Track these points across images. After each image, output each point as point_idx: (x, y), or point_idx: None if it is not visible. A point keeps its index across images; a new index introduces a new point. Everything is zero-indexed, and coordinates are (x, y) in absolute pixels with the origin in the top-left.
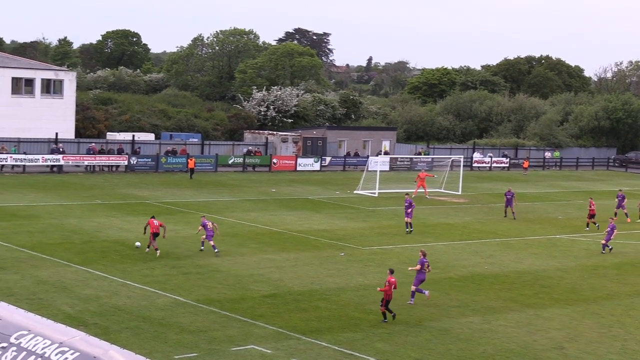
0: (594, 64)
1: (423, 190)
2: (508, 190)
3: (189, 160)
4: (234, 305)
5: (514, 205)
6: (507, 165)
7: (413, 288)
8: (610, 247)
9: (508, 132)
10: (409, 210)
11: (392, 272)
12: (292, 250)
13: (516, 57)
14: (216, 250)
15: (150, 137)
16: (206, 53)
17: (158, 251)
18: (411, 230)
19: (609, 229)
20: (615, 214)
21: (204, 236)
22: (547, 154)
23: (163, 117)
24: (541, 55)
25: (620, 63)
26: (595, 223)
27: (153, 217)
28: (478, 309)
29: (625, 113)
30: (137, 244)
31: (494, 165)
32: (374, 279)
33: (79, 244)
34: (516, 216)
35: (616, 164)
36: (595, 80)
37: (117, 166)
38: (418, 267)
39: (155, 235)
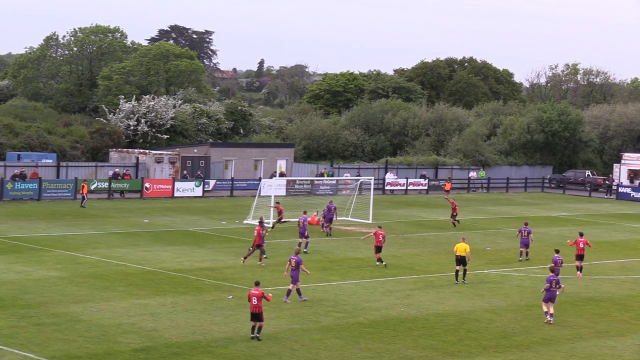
0: (525, 67)
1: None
2: (524, 224)
3: (83, 184)
4: None
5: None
6: (426, 187)
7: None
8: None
9: (426, 149)
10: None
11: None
12: (169, 293)
13: (435, 59)
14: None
15: None
16: (62, 55)
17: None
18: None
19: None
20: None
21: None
22: (472, 174)
23: (9, 134)
24: (464, 58)
25: (556, 66)
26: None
27: None
28: None
29: (562, 125)
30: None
31: (411, 187)
32: (268, 326)
33: None
34: (447, 249)
35: (552, 185)
36: (527, 86)
37: None
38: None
39: None
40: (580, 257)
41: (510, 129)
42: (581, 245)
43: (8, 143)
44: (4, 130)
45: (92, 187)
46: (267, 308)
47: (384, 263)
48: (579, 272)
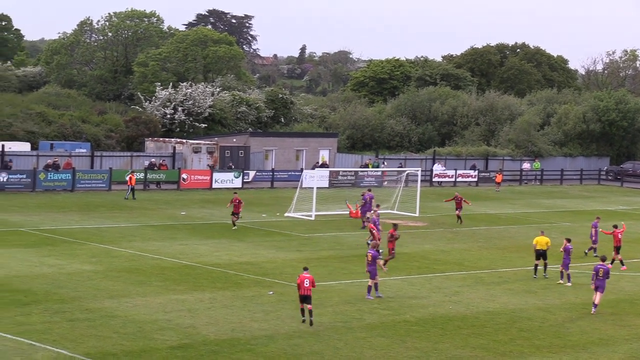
0: (581, 53)
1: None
2: (596, 218)
3: (130, 176)
4: (134, 359)
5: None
6: (476, 179)
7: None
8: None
9: (476, 139)
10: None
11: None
12: (207, 288)
13: (485, 45)
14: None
15: (25, 147)
16: (96, 41)
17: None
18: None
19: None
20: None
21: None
22: (525, 166)
23: (42, 122)
24: (516, 43)
25: (613, 52)
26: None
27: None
28: None
29: (619, 114)
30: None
31: (459, 179)
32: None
33: None
34: (498, 244)
35: (609, 177)
36: (583, 73)
37: None
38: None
39: None
40: (618, 249)
41: (564, 118)
42: (620, 236)
43: (41, 132)
44: (37, 119)
45: (127, 178)
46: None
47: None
48: (623, 266)
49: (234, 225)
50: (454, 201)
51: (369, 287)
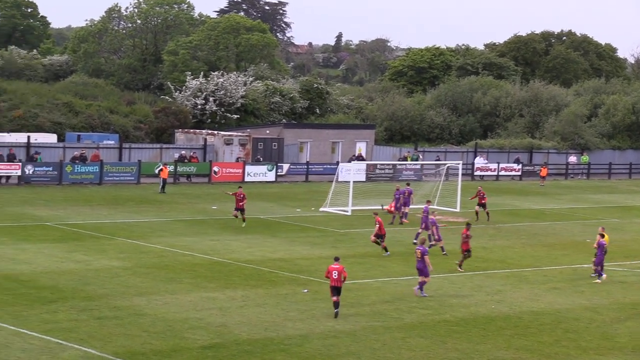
0: (630, 41)
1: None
2: None
3: (162, 168)
4: (163, 359)
5: None
6: (520, 173)
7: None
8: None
9: (520, 131)
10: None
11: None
12: (240, 286)
13: (530, 33)
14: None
15: (52, 138)
16: (125, 28)
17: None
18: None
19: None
20: None
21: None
22: (572, 159)
23: (68, 113)
24: (562, 31)
25: None
26: None
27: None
28: None
29: None
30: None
31: (502, 173)
32: (347, 323)
33: None
34: (543, 241)
35: None
36: (632, 62)
37: (8, 177)
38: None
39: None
40: None
41: (613, 110)
42: None
43: (67, 123)
44: (63, 109)
45: (156, 171)
46: (345, 304)
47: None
48: None
49: (236, 217)
50: (478, 197)
51: (421, 283)
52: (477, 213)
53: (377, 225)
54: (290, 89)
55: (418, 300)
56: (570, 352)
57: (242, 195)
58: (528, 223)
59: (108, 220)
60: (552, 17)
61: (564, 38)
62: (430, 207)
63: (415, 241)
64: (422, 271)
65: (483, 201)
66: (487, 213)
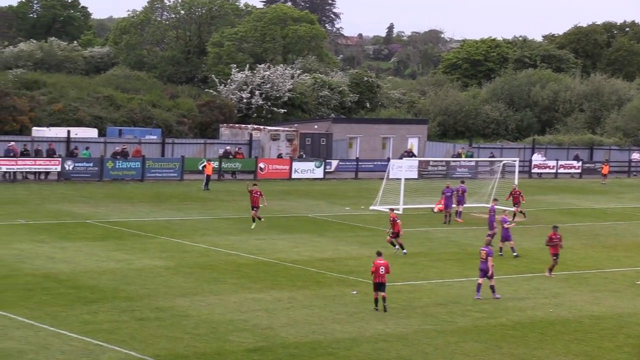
0: None
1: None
2: None
3: (206, 164)
4: None
5: None
6: (580, 170)
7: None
8: None
9: (580, 126)
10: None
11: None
12: (286, 287)
13: (591, 24)
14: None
15: (92, 133)
16: (168, 19)
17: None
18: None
19: None
20: None
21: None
22: (635, 156)
23: (109, 107)
24: (624, 22)
25: None
26: None
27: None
28: None
29: None
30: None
31: (561, 170)
32: (397, 326)
33: None
34: (604, 242)
35: None
36: None
37: (47, 173)
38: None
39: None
40: None
41: None
42: None
43: (108, 117)
44: (104, 103)
45: (200, 167)
46: (396, 306)
47: (399, 250)
48: None
49: (254, 220)
50: (512, 197)
51: (490, 287)
52: (523, 213)
53: (397, 222)
54: (339, 83)
55: (472, 303)
56: (632, 359)
57: (258, 193)
58: (588, 223)
59: (150, 218)
60: (615, 8)
61: (627, 29)
62: (483, 205)
63: (500, 254)
64: (484, 272)
65: (518, 201)
66: (522, 212)
